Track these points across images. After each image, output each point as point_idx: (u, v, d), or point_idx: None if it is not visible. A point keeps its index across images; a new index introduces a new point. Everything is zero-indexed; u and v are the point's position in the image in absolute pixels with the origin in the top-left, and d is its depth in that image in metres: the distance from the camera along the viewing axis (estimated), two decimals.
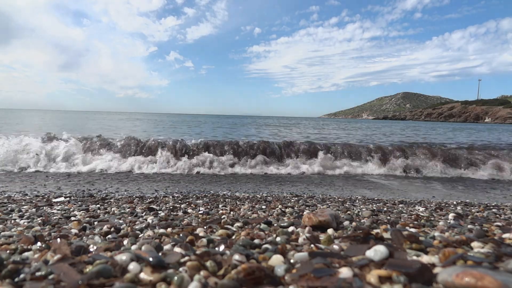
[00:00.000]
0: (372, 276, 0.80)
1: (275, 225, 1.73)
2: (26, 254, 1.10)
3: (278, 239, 1.27)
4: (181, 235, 1.39)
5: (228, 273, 0.84)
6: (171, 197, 3.63)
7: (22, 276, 0.82)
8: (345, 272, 0.82)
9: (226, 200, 3.38)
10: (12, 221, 2.08)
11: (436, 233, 1.34)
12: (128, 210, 2.55)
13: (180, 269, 0.86)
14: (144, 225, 1.84)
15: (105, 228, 1.74)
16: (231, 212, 2.44)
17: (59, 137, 7.35)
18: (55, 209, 2.65)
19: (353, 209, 2.74)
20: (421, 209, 2.85)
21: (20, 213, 2.41)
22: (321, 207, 2.88)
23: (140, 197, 3.57)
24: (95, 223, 1.95)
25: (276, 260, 0.94)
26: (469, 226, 1.66)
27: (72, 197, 3.43)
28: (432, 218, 2.11)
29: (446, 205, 3.31)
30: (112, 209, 2.64)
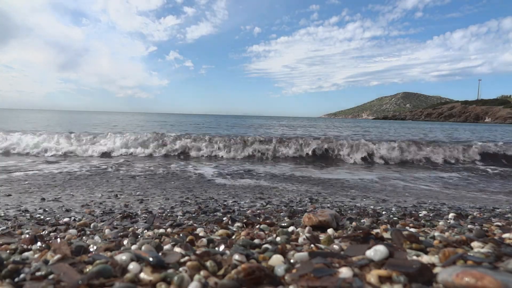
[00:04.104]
0: (372, 276, 0.80)
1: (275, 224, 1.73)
2: (26, 254, 1.10)
3: (278, 239, 1.27)
4: (181, 235, 1.39)
5: (228, 273, 0.84)
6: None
7: (22, 276, 0.82)
8: (345, 272, 0.82)
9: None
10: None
11: (436, 233, 1.34)
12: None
13: (180, 269, 0.86)
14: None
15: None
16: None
17: None
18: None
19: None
20: None
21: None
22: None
23: None
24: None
25: (276, 260, 0.94)
26: (469, 226, 1.66)
27: None
28: (431, 218, 2.11)
29: None
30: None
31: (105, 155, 7.89)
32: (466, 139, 12.26)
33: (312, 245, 1.16)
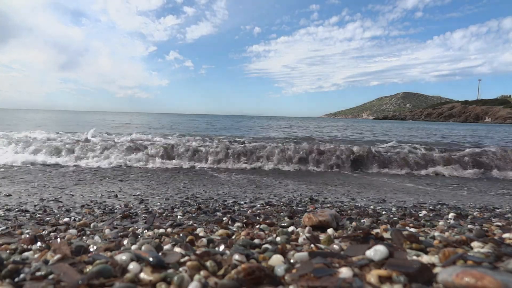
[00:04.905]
0: (372, 276, 0.80)
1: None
2: (26, 254, 1.10)
3: (278, 239, 1.27)
4: (181, 235, 1.39)
5: (228, 273, 0.84)
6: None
7: (22, 276, 0.82)
8: (345, 272, 0.82)
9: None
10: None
11: (436, 233, 1.34)
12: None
13: (180, 269, 0.86)
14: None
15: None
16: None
17: None
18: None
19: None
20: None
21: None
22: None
23: None
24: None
25: (276, 260, 0.94)
26: (469, 226, 1.66)
27: None
28: (431, 218, 2.11)
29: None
30: None
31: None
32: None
33: (312, 245, 1.16)
